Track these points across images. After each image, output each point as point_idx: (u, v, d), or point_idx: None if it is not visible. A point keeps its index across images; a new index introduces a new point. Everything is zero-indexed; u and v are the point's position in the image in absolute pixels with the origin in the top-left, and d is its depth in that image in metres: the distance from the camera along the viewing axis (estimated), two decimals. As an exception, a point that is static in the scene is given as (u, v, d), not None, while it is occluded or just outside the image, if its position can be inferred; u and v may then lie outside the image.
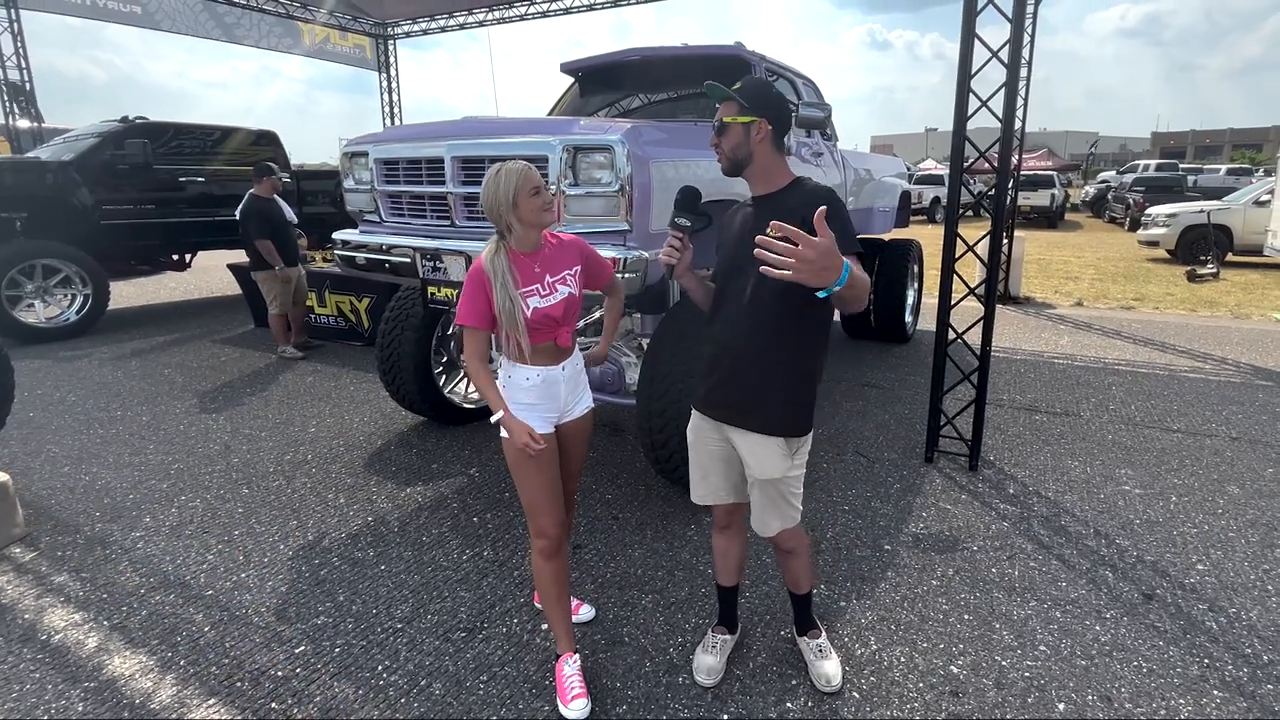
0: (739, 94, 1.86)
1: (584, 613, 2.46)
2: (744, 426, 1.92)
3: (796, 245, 1.46)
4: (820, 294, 1.55)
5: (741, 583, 2.33)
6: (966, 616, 2.46)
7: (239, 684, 2.15)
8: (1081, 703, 2.06)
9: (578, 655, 2.11)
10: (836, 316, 6.71)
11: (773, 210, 1.86)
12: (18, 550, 2.95)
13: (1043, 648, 2.29)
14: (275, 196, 5.98)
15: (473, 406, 4.41)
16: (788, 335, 1.85)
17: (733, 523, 2.15)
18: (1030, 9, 7.20)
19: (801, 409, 1.91)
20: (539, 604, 2.49)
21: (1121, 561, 2.80)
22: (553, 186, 2.96)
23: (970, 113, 3.45)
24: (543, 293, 2.02)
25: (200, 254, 9.01)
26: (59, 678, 2.19)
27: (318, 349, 6.36)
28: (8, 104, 10.46)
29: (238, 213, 5.92)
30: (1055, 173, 21.44)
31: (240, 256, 6.50)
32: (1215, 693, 2.10)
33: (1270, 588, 2.62)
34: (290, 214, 6.15)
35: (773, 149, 1.89)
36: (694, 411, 2.06)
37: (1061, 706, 2.04)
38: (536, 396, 2.07)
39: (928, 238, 8.08)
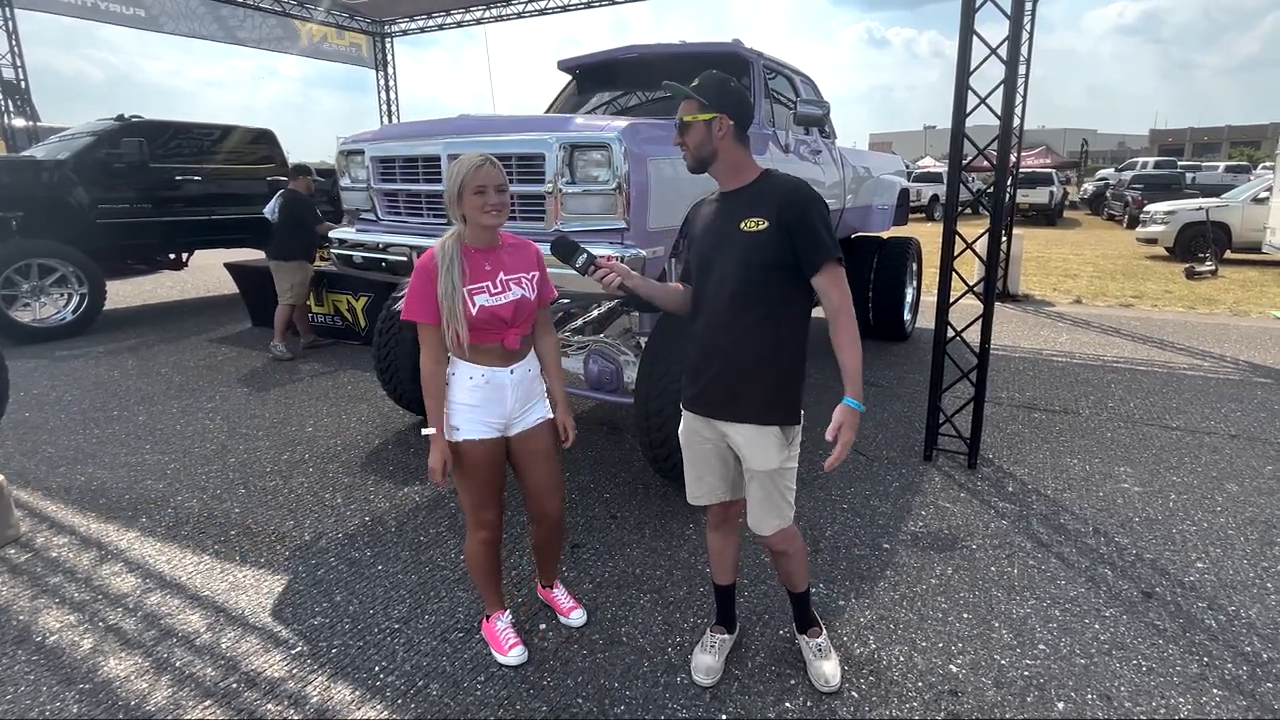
0: (697, 91, 1.87)
1: (575, 617, 2.40)
2: (739, 419, 1.91)
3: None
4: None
5: (739, 582, 2.32)
6: (965, 615, 2.45)
7: (235, 685, 2.14)
8: (1081, 701, 2.05)
9: (509, 611, 2.13)
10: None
11: (744, 203, 1.85)
12: (13, 551, 2.94)
13: (1042, 646, 2.29)
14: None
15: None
16: (770, 324, 1.86)
17: (727, 519, 2.14)
18: (1029, 6, 7.19)
19: (793, 395, 1.92)
20: (542, 595, 2.50)
21: (1120, 559, 2.80)
22: (550, 184, 2.95)
23: (969, 110, 3.44)
24: (493, 290, 1.95)
25: (197, 253, 8.99)
26: (54, 679, 2.18)
27: (328, 347, 6.37)
28: (3, 103, 10.42)
29: (274, 209, 5.95)
30: (1054, 170, 21.45)
31: (236, 255, 6.50)
32: (1215, 691, 2.09)
33: (1269, 585, 2.61)
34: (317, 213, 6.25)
35: (736, 143, 1.89)
36: (684, 412, 2.04)
37: (1061, 705, 2.04)
38: (479, 398, 1.99)
39: (926, 235, 8.06)
